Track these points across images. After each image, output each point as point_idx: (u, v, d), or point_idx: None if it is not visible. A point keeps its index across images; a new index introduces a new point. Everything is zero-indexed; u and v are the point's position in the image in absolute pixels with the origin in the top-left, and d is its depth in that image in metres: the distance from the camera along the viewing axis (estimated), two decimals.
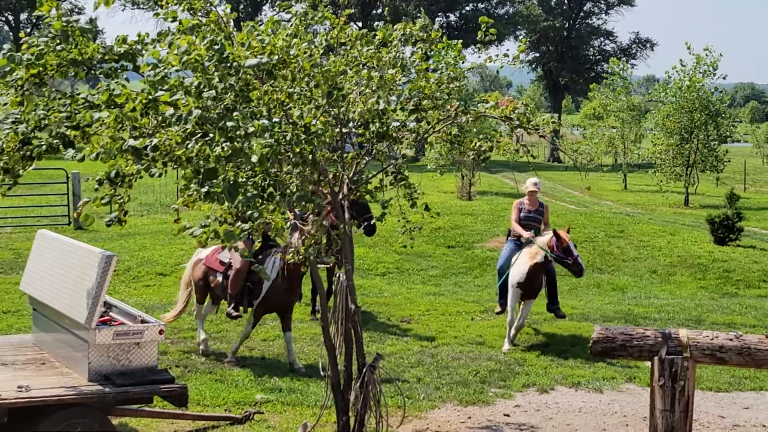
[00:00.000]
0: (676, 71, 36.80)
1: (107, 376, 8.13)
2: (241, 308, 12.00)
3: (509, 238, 13.51)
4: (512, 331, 12.95)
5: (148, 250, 19.27)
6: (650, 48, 78.97)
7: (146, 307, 14.35)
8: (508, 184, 39.67)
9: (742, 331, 12.95)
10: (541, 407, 10.18)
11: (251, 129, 6.42)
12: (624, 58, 63.29)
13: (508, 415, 9.83)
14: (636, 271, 19.93)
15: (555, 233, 12.55)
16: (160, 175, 7.04)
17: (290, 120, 7.38)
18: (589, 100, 67.78)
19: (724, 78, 37.43)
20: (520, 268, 12.86)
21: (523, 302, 13.13)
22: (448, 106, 8.71)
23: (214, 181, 6.31)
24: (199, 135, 6.49)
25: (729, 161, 38.95)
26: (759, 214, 31.52)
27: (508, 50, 9.26)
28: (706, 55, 36.01)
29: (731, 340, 8.00)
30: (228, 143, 6.38)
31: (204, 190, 6.24)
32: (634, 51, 78.23)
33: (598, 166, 51.91)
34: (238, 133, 6.42)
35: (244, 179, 7.01)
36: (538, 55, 78.88)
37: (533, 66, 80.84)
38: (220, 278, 12.04)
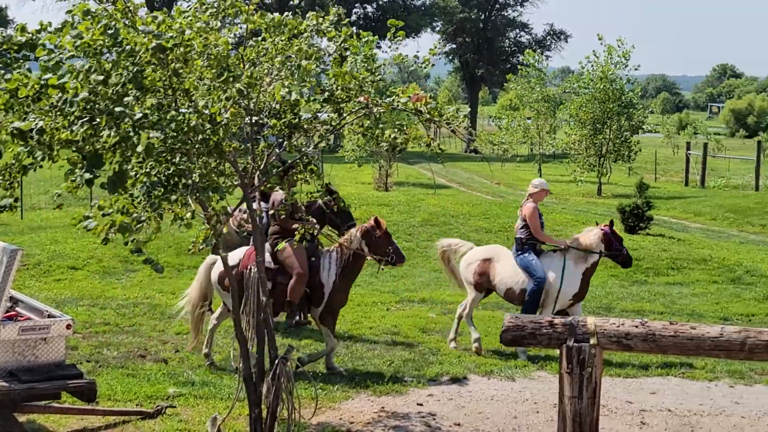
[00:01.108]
0: (590, 62, 37.44)
1: (12, 372, 7.98)
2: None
3: (526, 247, 12.34)
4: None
5: (59, 243, 18.94)
6: (564, 40, 79.92)
7: (57, 301, 14.13)
8: (425, 175, 39.86)
9: (650, 318, 13.25)
10: (454, 396, 10.28)
11: (138, 116, 6.35)
12: (539, 50, 64.20)
13: (421, 405, 9.90)
14: None
15: (611, 228, 12.34)
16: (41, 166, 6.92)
17: (196, 109, 7.30)
18: (506, 92, 68.50)
19: (636, 69, 38.17)
20: (571, 278, 12.19)
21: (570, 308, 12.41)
22: (361, 98, 8.71)
23: (100, 170, 6.19)
24: (85, 119, 6.39)
25: (640, 151, 39.70)
26: (668, 203, 32.20)
27: (418, 52, 9.28)
28: (618, 47, 36.68)
29: (637, 327, 8.16)
30: (115, 129, 6.30)
31: (87, 176, 6.12)
32: (548, 43, 79.09)
33: (514, 156, 52.56)
34: (126, 120, 6.35)
35: (147, 169, 6.96)
36: (454, 46, 79.31)
37: (450, 57, 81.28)
38: (268, 285, 11.22)
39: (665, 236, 22.56)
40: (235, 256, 11.14)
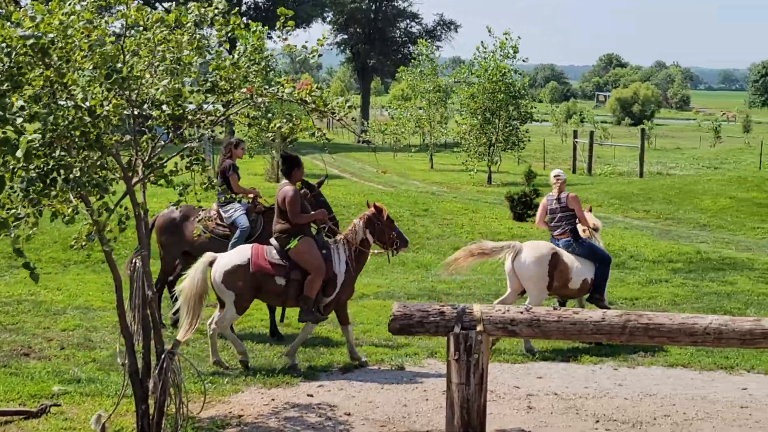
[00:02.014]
0: (479, 53, 37.90)
1: None
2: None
3: (579, 235, 12.80)
4: None
5: None
6: (454, 30, 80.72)
7: None
8: (318, 166, 39.80)
9: None
10: (345, 386, 10.30)
11: (19, 120, 6.19)
12: (429, 40, 64.64)
13: (311, 396, 9.90)
14: (439, 248, 20.38)
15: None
16: None
17: (75, 103, 7.15)
18: (398, 82, 68.80)
19: (524, 61, 38.78)
20: None
21: None
22: (244, 89, 8.65)
23: None
24: None
25: (529, 140, 40.33)
26: None
27: (307, 42, 9.30)
28: (507, 39, 37.20)
29: (522, 313, 8.31)
30: None
31: None
32: (439, 33, 79.74)
33: (406, 146, 52.88)
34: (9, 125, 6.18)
35: (24, 164, 6.78)
36: (346, 36, 79.32)
37: (342, 48, 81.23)
38: (282, 282, 10.82)
39: None
40: (239, 255, 10.91)
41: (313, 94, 8.57)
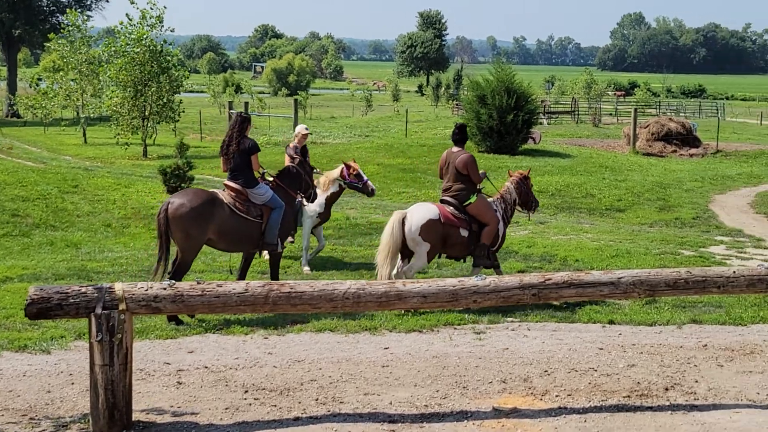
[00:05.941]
0: (123, 26, 37.12)
1: None
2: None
3: None
4: (310, 255, 15.64)
5: None
6: (105, 0, 78.36)
7: None
8: None
9: (206, 277, 13.43)
10: None
11: None
12: (79, 10, 62.28)
13: None
14: (90, 225, 19.79)
15: (345, 164, 15.69)
16: None
17: None
18: (48, 53, 65.93)
19: (172, 31, 38.33)
20: (318, 200, 15.14)
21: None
22: None
23: None
24: None
25: (183, 111, 39.97)
26: (213, 161, 32.76)
27: None
28: (151, 8, 36.64)
29: (165, 289, 8.24)
30: None
31: None
32: (89, 2, 77.01)
33: (58, 120, 50.83)
34: None
35: None
36: None
37: None
38: (465, 233, 12.82)
39: None
40: (429, 210, 12.68)
41: None
